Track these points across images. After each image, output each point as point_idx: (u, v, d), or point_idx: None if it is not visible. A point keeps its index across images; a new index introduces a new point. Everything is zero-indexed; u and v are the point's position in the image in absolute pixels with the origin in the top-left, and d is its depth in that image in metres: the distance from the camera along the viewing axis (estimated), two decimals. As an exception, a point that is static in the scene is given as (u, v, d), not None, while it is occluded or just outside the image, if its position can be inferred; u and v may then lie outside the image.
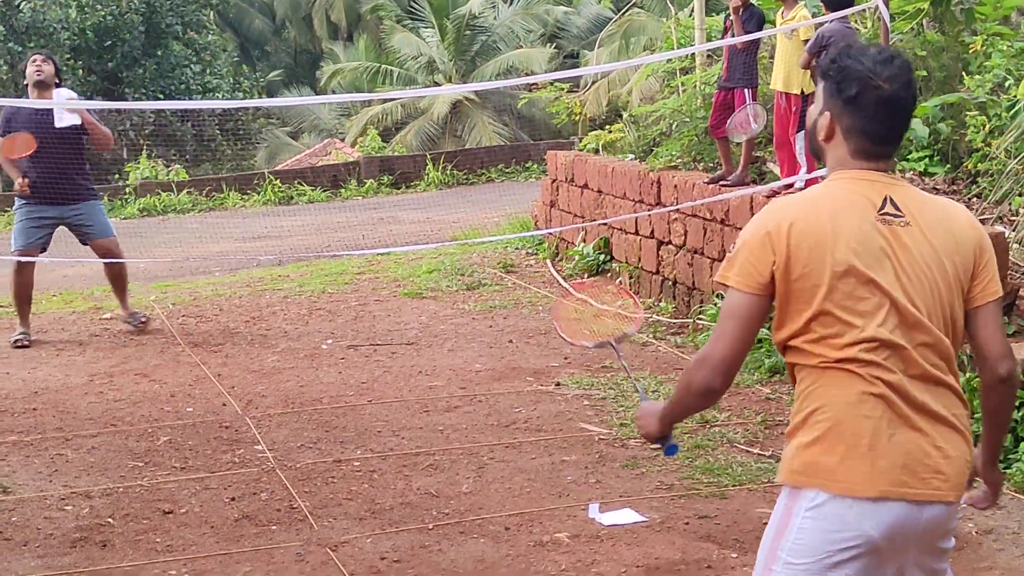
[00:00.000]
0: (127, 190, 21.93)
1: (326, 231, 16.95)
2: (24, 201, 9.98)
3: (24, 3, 27.72)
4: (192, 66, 31.55)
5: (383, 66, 34.33)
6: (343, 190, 22.77)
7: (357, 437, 7.37)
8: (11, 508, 6.27)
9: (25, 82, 10.02)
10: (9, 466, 6.95)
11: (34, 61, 9.96)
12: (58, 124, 9.78)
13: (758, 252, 3.04)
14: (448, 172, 23.63)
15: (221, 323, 10.68)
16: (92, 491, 6.50)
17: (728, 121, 9.41)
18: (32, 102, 9.90)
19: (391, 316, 10.74)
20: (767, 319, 3.14)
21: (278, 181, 22.44)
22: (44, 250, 10.22)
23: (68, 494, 6.47)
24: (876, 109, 3.05)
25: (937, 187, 8.78)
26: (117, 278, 10.43)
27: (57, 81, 10.01)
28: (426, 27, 34.61)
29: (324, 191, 22.53)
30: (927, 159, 9.08)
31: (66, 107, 9.81)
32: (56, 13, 28.23)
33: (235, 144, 32.18)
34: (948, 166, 9.09)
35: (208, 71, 31.94)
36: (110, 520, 6.09)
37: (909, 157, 9.15)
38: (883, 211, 3.02)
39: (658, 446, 3.54)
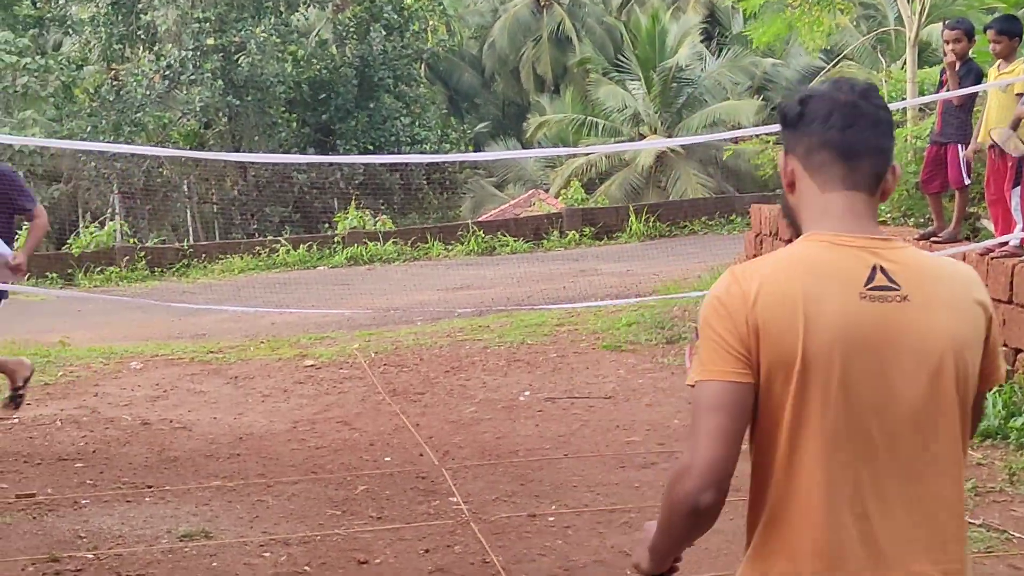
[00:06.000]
0: (335, 239, 22.49)
1: (527, 282, 17.02)
2: None
3: (243, 58, 28.73)
4: (402, 118, 32.22)
5: (588, 118, 34.53)
6: (545, 241, 22.90)
7: (552, 491, 7.31)
8: (212, 553, 6.39)
9: None
10: (212, 510, 7.10)
11: None
12: None
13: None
14: (650, 224, 23.55)
15: (421, 372, 10.78)
16: (291, 539, 6.59)
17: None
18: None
19: (589, 369, 10.69)
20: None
21: (481, 232, 22.72)
22: None
23: (267, 541, 6.57)
24: (829, 115, 2.51)
25: None
26: None
27: None
28: (632, 79, 34.70)
29: (526, 242, 22.70)
30: None
31: None
32: (273, 67, 29.17)
33: (441, 194, 32.71)
34: None
35: (417, 123, 32.58)
36: (307, 568, 6.16)
37: None
38: (871, 284, 2.45)
39: None
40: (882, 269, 2.45)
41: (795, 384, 2.42)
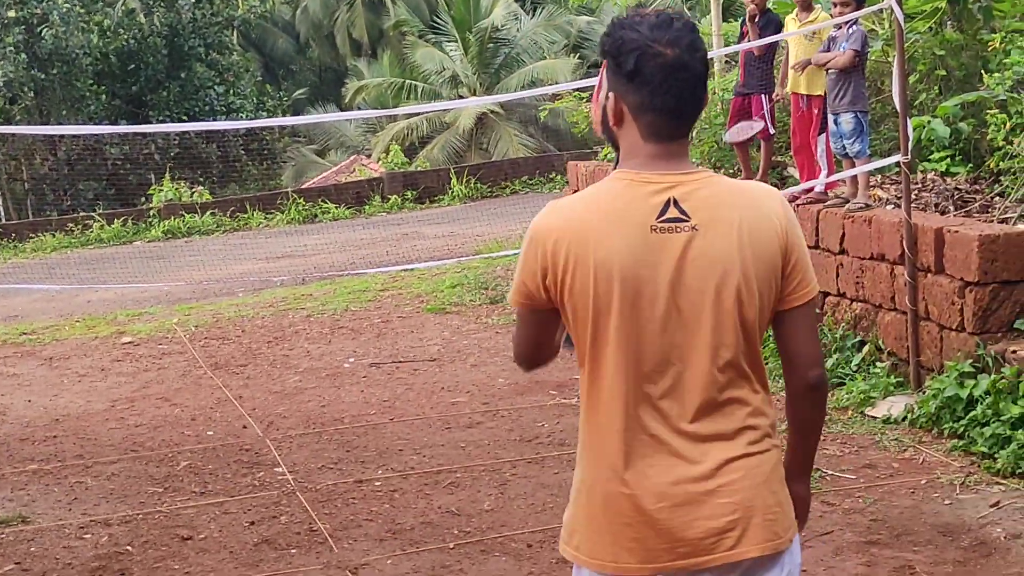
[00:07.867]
0: (151, 213, 22.03)
1: (350, 248, 16.93)
2: None
3: (46, 30, 27.84)
4: (216, 87, 31.63)
5: (407, 81, 34.35)
6: (367, 207, 22.78)
7: (378, 456, 7.32)
8: (30, 538, 6.24)
9: None
10: (29, 495, 6.92)
11: None
12: None
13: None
14: (472, 185, 23.60)
15: (243, 344, 10.65)
16: (111, 519, 6.47)
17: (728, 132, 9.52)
18: None
19: (414, 332, 10.69)
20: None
21: (302, 200, 22.49)
22: None
23: (87, 523, 6.43)
24: (662, 79, 2.61)
25: (959, 187, 8.67)
26: None
27: None
28: (449, 41, 34.61)
29: (348, 208, 22.56)
30: (948, 159, 8.97)
31: None
32: (78, 39, 28.33)
33: (261, 164, 32.24)
34: (970, 165, 8.98)
35: (232, 92, 32.02)
36: (129, 548, 6.05)
37: (931, 158, 9.04)
38: (663, 217, 2.61)
39: None
40: (675, 202, 2.61)
41: (591, 314, 2.65)
